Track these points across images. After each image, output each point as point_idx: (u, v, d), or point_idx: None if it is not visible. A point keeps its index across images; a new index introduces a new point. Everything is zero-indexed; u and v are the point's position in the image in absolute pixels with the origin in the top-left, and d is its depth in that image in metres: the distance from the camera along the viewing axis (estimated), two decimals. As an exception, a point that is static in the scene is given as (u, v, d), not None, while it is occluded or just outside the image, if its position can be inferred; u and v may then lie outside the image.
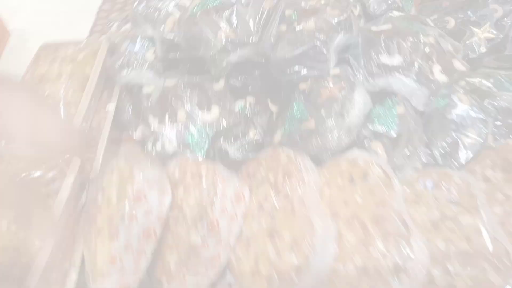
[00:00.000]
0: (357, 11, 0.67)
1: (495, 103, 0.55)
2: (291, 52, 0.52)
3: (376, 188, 0.44)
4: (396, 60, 0.49)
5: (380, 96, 0.53)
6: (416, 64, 0.49)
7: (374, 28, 0.53)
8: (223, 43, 0.53)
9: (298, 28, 0.53)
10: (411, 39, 0.50)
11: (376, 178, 0.44)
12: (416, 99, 0.50)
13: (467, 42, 0.64)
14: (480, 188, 0.46)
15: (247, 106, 0.60)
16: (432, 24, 0.58)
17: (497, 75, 0.63)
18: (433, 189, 0.45)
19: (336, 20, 0.54)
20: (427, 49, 0.49)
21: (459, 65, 0.50)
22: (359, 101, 0.50)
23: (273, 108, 0.62)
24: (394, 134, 0.50)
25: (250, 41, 0.54)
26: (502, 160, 0.48)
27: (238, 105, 0.60)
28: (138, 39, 0.62)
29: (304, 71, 0.54)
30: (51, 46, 0.66)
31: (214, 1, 0.54)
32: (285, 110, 0.56)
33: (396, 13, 0.64)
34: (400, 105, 0.51)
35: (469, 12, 0.65)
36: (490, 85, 0.56)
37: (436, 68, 0.49)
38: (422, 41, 0.50)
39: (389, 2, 0.66)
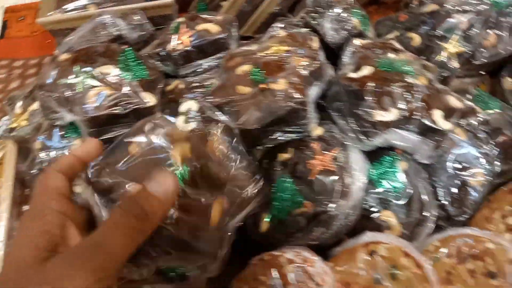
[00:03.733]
0: (316, 44, 0.58)
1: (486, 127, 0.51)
2: (264, 120, 0.42)
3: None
4: (392, 114, 0.41)
5: (374, 152, 0.44)
6: (415, 115, 0.41)
7: (353, 75, 0.44)
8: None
9: (266, 90, 0.42)
10: (402, 85, 0.42)
11: (408, 274, 0.36)
12: (421, 152, 0.43)
13: (437, 59, 0.58)
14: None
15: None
16: (409, 56, 0.51)
17: (471, 89, 0.59)
18: (466, 262, 0.39)
19: (307, 71, 0.45)
20: (422, 94, 0.42)
21: (455, 102, 0.44)
22: (358, 168, 0.41)
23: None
24: (403, 198, 0.42)
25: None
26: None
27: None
28: (56, 132, 0.46)
29: (281, 137, 0.44)
30: None
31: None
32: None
33: (359, 42, 0.56)
34: (401, 160, 0.43)
35: (432, 26, 0.60)
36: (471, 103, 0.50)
37: (437, 114, 0.41)
38: (414, 84, 0.42)
39: (348, 27, 0.58)
